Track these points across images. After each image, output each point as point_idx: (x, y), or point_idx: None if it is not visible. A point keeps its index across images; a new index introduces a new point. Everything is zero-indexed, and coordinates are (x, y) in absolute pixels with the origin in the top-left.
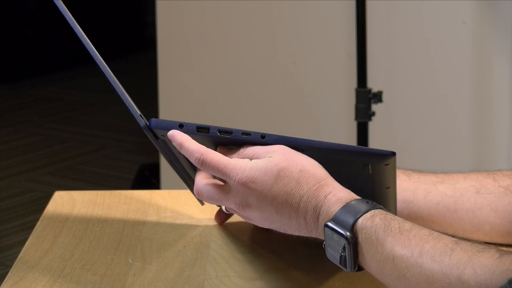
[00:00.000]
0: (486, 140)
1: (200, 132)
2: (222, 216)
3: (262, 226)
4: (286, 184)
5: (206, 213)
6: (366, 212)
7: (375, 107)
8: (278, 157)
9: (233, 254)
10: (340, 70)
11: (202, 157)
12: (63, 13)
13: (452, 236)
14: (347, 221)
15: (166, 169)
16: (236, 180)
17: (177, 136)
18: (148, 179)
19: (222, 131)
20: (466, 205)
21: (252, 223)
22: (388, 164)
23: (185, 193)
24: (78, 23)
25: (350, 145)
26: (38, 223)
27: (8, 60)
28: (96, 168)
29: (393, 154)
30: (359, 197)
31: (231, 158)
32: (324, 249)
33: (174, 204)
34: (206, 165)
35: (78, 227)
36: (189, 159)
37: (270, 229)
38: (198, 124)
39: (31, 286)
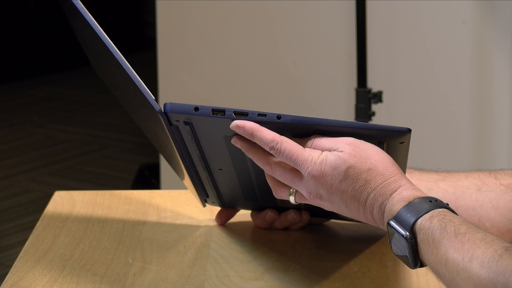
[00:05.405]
0: (486, 140)
1: (215, 115)
2: (222, 217)
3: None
4: (355, 181)
5: (206, 214)
6: (427, 212)
7: (375, 107)
8: (348, 152)
9: (233, 254)
10: (340, 70)
11: (277, 146)
12: (81, 11)
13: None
14: (407, 221)
15: (166, 169)
16: (307, 172)
17: (248, 126)
18: (148, 179)
19: (238, 113)
20: (467, 202)
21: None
22: (403, 143)
23: (185, 193)
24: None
25: (366, 123)
26: (38, 223)
27: (8, 60)
28: (96, 168)
29: (409, 130)
30: (424, 195)
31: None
32: (325, 249)
33: (174, 204)
34: (281, 153)
35: (78, 227)
36: (263, 146)
37: (270, 229)
38: (213, 107)
39: (31, 286)
